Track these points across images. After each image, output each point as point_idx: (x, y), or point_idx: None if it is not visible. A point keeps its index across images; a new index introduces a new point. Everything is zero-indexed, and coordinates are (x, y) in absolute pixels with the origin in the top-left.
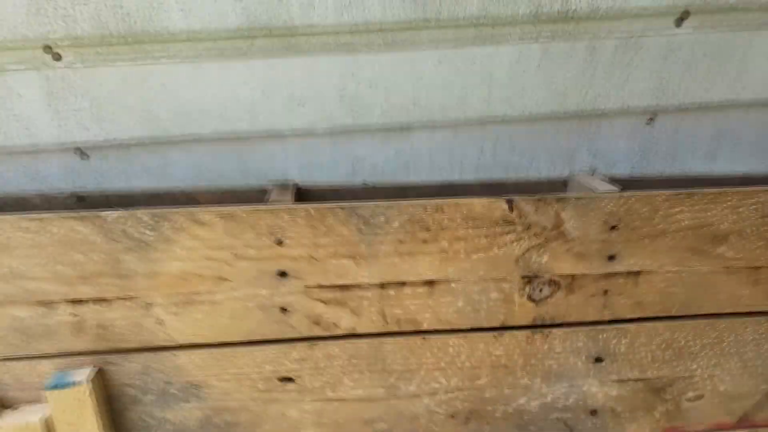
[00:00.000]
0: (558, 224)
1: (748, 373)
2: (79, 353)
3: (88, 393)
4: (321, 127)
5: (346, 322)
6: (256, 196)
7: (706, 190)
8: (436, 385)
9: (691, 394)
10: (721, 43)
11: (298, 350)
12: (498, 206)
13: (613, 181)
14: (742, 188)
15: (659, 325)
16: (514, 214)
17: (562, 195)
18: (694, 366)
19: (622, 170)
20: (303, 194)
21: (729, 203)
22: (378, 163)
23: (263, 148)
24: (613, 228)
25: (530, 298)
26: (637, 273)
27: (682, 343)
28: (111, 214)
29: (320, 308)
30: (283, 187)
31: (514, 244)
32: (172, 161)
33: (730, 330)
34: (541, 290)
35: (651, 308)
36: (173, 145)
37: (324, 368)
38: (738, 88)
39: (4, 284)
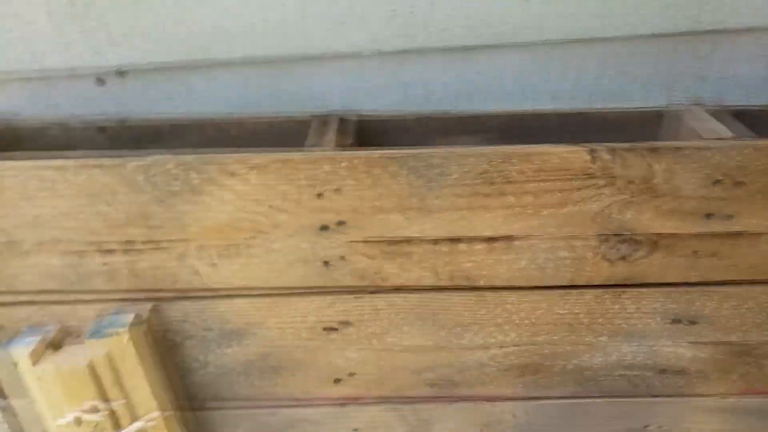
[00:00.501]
0: (649, 178)
1: None
2: (124, 298)
3: (131, 338)
4: (368, 49)
5: (395, 276)
6: (293, 127)
7: None
8: (492, 340)
9: None
10: None
11: (345, 301)
12: (578, 157)
13: (726, 115)
14: None
15: (755, 288)
16: (597, 166)
17: (656, 144)
18: None
19: (737, 100)
20: (346, 127)
21: None
22: (435, 90)
23: (300, 73)
24: (716, 182)
25: (605, 258)
26: (738, 233)
27: None
28: (136, 161)
29: (367, 262)
30: (323, 120)
31: (593, 199)
32: (196, 88)
33: None
34: (618, 249)
35: (747, 271)
36: (197, 70)
37: (372, 320)
38: None
39: (33, 232)
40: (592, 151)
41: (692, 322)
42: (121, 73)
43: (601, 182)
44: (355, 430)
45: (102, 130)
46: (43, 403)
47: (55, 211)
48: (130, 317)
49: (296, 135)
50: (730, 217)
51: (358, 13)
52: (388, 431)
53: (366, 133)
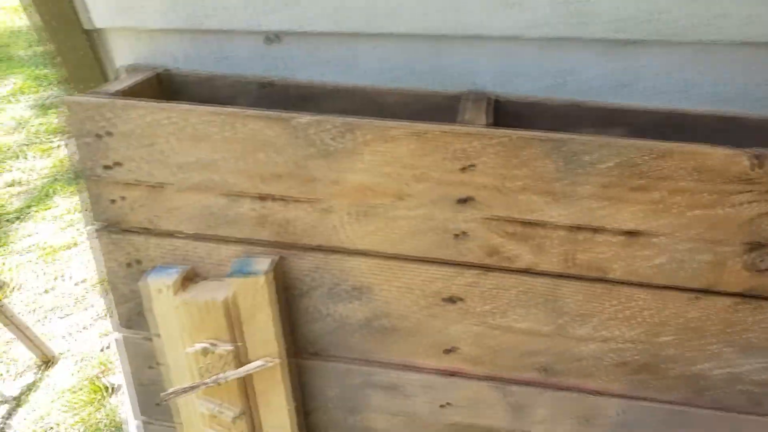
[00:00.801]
0: None
1: None
2: (260, 243)
3: (265, 281)
4: (531, 33)
5: (524, 258)
6: (447, 103)
7: None
8: (611, 334)
9: None
10: None
11: (468, 276)
12: (739, 160)
13: None
14: None
15: None
16: (756, 172)
17: None
18: None
19: None
20: (499, 107)
21: None
22: (590, 80)
23: (460, 50)
24: None
25: (748, 267)
26: None
27: None
28: (301, 118)
29: (499, 240)
30: (477, 98)
31: (747, 205)
32: (361, 55)
33: None
34: (764, 260)
35: None
36: (364, 38)
37: (492, 297)
38: None
39: (196, 171)
40: (754, 157)
41: None
42: (277, 37)
43: (760, 189)
44: (451, 403)
45: (263, 86)
46: (177, 331)
47: (218, 156)
48: (267, 262)
49: (447, 110)
50: None
51: None
52: (488, 409)
53: (515, 115)
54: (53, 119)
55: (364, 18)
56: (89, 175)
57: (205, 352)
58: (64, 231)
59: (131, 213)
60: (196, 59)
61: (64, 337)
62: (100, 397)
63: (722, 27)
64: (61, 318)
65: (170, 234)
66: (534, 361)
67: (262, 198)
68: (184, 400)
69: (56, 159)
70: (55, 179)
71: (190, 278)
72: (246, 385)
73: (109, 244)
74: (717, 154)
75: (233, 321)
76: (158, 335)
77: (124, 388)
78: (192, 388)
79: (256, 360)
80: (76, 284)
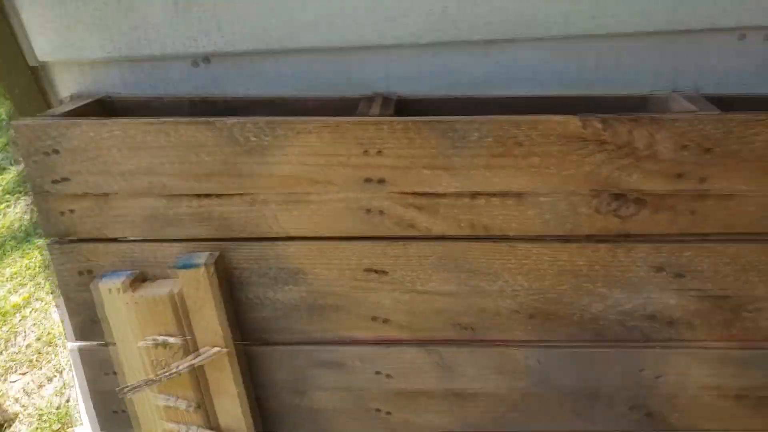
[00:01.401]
0: (631, 143)
1: None
2: (201, 239)
3: (207, 273)
4: (421, 40)
5: (436, 226)
6: (346, 104)
7: None
8: (519, 288)
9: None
10: None
11: (392, 248)
12: (573, 124)
13: (709, 99)
14: None
15: (746, 246)
16: (588, 131)
17: (656, 116)
18: None
19: (731, 89)
20: (403, 104)
21: None
22: (477, 77)
23: (367, 58)
24: (707, 150)
25: (616, 214)
26: (729, 195)
27: (764, 264)
28: (226, 121)
29: (412, 213)
30: (370, 99)
31: (587, 161)
32: (282, 69)
33: None
34: (627, 207)
35: (739, 228)
36: (284, 55)
37: (415, 265)
38: None
39: (137, 179)
40: (584, 120)
41: (692, 277)
42: (206, 59)
43: (593, 146)
44: (390, 371)
45: (194, 104)
46: (129, 330)
47: (156, 162)
48: (206, 255)
49: (349, 111)
50: (698, 176)
51: (417, 7)
52: (423, 373)
53: (417, 111)
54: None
55: (281, 37)
56: (39, 191)
57: (156, 344)
58: (17, 291)
59: (80, 224)
60: (135, 84)
61: (18, 398)
62: None
63: (570, 24)
64: (16, 379)
65: (117, 240)
66: (457, 321)
67: (199, 197)
68: (140, 400)
69: (8, 219)
70: (5, 240)
71: (139, 280)
72: (198, 377)
73: (61, 255)
74: (555, 120)
75: (181, 315)
76: (114, 344)
77: None
78: (148, 382)
79: (204, 350)
80: (28, 345)
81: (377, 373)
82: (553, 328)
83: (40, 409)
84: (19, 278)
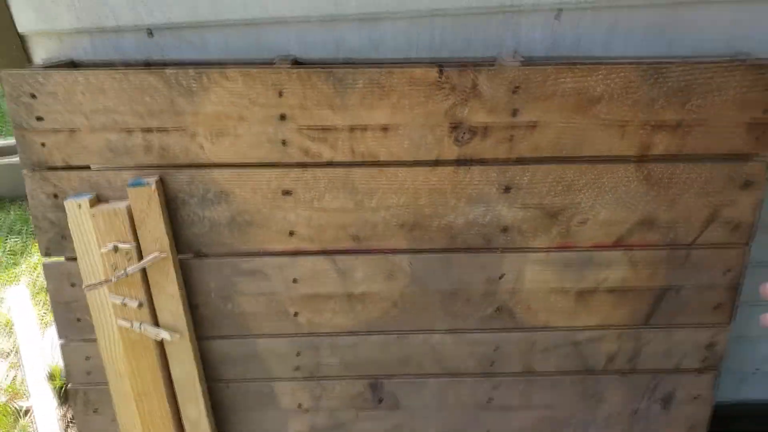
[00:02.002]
0: (474, 86)
1: (621, 205)
2: (149, 167)
3: (153, 190)
4: (314, 15)
5: (326, 153)
6: (268, 63)
7: (583, 63)
8: (390, 203)
9: (578, 219)
10: None
11: (294, 173)
12: (431, 72)
13: (528, 59)
14: (611, 62)
15: (552, 165)
16: (443, 78)
17: (477, 65)
18: (580, 198)
19: (539, 53)
20: (301, 65)
21: (601, 74)
22: (355, 45)
23: (272, 30)
24: (515, 90)
25: (456, 141)
26: (534, 124)
27: (571, 179)
28: (170, 69)
29: (308, 143)
30: (285, 58)
31: (444, 100)
32: (209, 40)
33: (606, 171)
34: (463, 135)
35: (546, 151)
36: (210, 27)
37: (311, 187)
38: None
39: (98, 117)
40: (439, 68)
41: (518, 190)
42: (150, 31)
43: (447, 89)
44: (299, 278)
45: (148, 64)
46: (94, 235)
47: (117, 102)
48: (155, 177)
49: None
50: (526, 113)
51: None
52: (325, 278)
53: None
54: None
55: (207, 12)
56: (19, 128)
57: (115, 249)
58: None
59: (51, 155)
60: (97, 52)
61: None
62: (12, 420)
63: (419, 3)
64: None
65: (81, 168)
66: (347, 233)
67: (146, 131)
68: (96, 304)
69: None
70: None
71: (100, 201)
72: (144, 280)
73: (34, 181)
74: (419, 68)
75: (135, 224)
76: (74, 259)
77: (34, 411)
78: (104, 281)
79: (151, 254)
80: None
81: (287, 279)
82: (419, 236)
83: None
84: None
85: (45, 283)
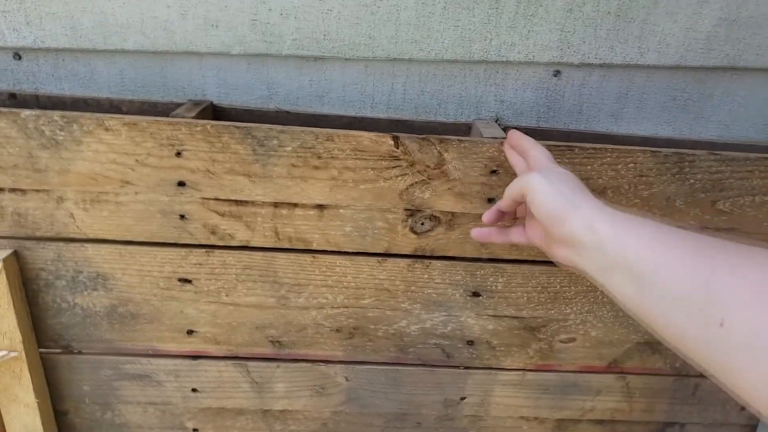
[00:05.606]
0: (440, 164)
1: (619, 322)
2: None
3: (2, 270)
4: (236, 49)
5: (241, 234)
6: (173, 109)
7: (584, 145)
8: (324, 301)
9: (564, 336)
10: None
11: (196, 255)
12: (385, 141)
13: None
14: (620, 146)
15: (535, 268)
16: (400, 150)
17: (445, 137)
18: (568, 310)
19: (529, 121)
20: (218, 113)
21: (606, 160)
22: (292, 91)
23: (182, 65)
24: (493, 172)
25: (412, 230)
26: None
27: (558, 287)
28: (25, 112)
29: (216, 219)
30: (197, 104)
31: (399, 178)
32: (97, 70)
33: None
34: (422, 223)
35: (528, 251)
36: (98, 54)
37: (220, 274)
38: (642, 49)
39: None
40: (395, 138)
41: (489, 296)
42: (17, 54)
43: (404, 164)
44: (199, 387)
45: (12, 96)
46: None
47: None
48: (5, 252)
49: (162, 116)
50: (491, 200)
51: (226, 18)
52: (234, 388)
53: (220, 118)
54: None
55: (93, 37)
56: None
57: None
58: None
59: None
60: None
61: None
62: None
63: (375, 47)
64: None
65: None
66: (266, 334)
67: (1, 189)
68: None
69: None
70: None
71: None
72: None
73: None
74: (368, 137)
75: None
76: None
77: None
78: None
79: None
80: None
81: (185, 388)
82: (360, 344)
83: None
84: None
85: None
